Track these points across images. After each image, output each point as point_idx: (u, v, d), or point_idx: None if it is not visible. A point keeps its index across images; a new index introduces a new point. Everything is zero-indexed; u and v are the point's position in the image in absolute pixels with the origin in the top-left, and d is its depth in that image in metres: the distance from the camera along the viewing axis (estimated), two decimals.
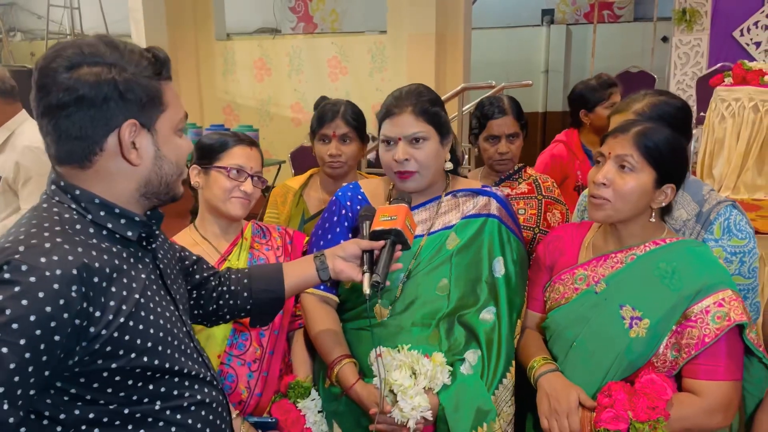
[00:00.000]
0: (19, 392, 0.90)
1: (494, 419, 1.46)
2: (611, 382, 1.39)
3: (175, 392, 1.09)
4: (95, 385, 0.99)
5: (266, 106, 7.14)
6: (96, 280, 0.95)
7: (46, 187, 1.06)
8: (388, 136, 1.58)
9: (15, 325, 0.88)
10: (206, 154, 1.67)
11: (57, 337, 0.91)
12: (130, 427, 1.04)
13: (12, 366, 0.88)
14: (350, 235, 1.65)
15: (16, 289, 0.89)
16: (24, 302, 0.88)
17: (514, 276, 1.62)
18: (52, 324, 0.90)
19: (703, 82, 5.44)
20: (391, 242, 1.35)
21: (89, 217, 1.02)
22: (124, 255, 1.04)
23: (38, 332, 0.89)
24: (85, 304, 0.93)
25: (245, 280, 1.38)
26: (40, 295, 0.89)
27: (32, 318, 0.89)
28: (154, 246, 1.13)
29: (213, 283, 1.37)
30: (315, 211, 2.16)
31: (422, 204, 1.66)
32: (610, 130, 1.51)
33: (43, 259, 0.91)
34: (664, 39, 7.32)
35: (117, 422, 1.03)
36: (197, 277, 1.35)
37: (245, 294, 1.37)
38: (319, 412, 1.60)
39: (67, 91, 0.96)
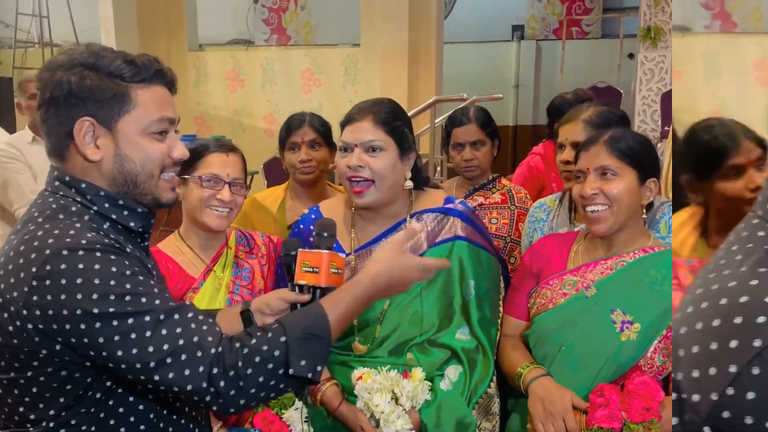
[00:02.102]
0: None
1: (474, 431, 1.49)
2: (602, 383, 1.40)
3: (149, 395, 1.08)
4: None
5: (239, 116, 7.11)
6: None
7: (46, 185, 1.08)
8: (346, 142, 1.55)
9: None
10: (183, 163, 1.66)
11: None
12: (102, 415, 1.02)
13: None
14: None
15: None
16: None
17: (487, 293, 1.62)
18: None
19: (668, 97, 5.62)
20: (319, 296, 1.23)
21: (94, 208, 1.05)
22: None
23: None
24: None
25: None
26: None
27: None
28: (146, 244, 1.15)
29: None
30: (291, 222, 2.16)
31: (388, 231, 1.61)
32: (581, 146, 1.55)
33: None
34: (630, 55, 7.50)
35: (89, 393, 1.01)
36: None
37: None
38: (305, 421, 1.59)
39: (43, 91, 1.04)
